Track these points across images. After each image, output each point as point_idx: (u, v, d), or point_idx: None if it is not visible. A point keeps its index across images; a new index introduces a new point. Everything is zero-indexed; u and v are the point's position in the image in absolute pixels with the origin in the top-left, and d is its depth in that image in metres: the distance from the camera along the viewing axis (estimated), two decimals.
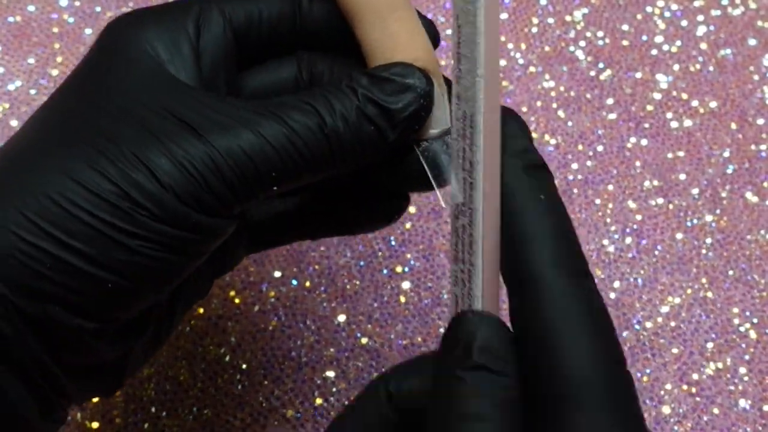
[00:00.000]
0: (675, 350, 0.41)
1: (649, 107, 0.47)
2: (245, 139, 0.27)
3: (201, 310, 0.41)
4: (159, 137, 0.26)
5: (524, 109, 0.47)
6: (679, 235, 0.44)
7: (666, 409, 0.40)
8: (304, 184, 0.29)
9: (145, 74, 0.28)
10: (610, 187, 0.45)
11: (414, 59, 0.28)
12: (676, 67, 0.49)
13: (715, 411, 0.40)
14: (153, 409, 0.39)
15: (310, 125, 0.27)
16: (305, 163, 0.27)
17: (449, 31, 0.49)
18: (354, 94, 0.27)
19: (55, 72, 0.46)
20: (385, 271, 0.42)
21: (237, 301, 0.41)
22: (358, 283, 0.42)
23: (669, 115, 0.47)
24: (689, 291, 0.43)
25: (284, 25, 0.31)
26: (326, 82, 0.31)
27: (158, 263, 0.27)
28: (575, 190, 0.45)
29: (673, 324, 0.42)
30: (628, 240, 0.44)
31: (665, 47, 0.49)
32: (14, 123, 0.45)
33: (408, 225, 0.43)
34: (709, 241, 0.44)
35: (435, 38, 0.30)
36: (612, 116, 0.47)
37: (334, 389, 0.40)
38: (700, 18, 0.50)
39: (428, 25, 0.30)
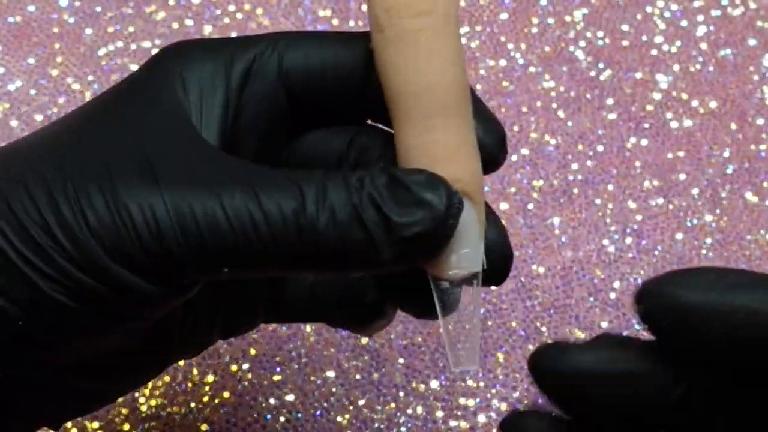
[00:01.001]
0: None
1: (649, 107, 0.47)
2: (201, 202, 0.22)
3: None
4: (110, 176, 0.23)
5: (524, 110, 0.47)
6: (679, 236, 0.44)
7: None
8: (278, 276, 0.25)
9: (157, 118, 0.24)
10: (610, 187, 0.45)
11: (452, 178, 0.23)
12: (676, 67, 0.49)
13: None
14: (153, 410, 0.39)
15: (284, 209, 0.22)
16: (266, 252, 0.23)
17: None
18: (359, 189, 0.23)
19: (55, 72, 0.46)
20: None
21: None
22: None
23: (669, 115, 0.47)
24: None
25: (352, 86, 0.26)
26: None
27: (75, 314, 0.23)
28: (575, 190, 0.45)
29: None
30: (628, 240, 0.44)
31: (665, 47, 0.49)
32: (14, 123, 0.45)
33: None
34: (709, 241, 0.44)
35: (493, 158, 0.25)
36: (612, 116, 0.47)
37: (334, 389, 0.39)
38: (700, 18, 0.50)
39: (492, 141, 0.25)
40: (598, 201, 0.45)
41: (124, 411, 0.39)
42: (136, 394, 0.39)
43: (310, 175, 0.23)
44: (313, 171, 0.23)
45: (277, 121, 0.26)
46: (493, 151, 0.25)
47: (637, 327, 0.42)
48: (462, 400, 0.39)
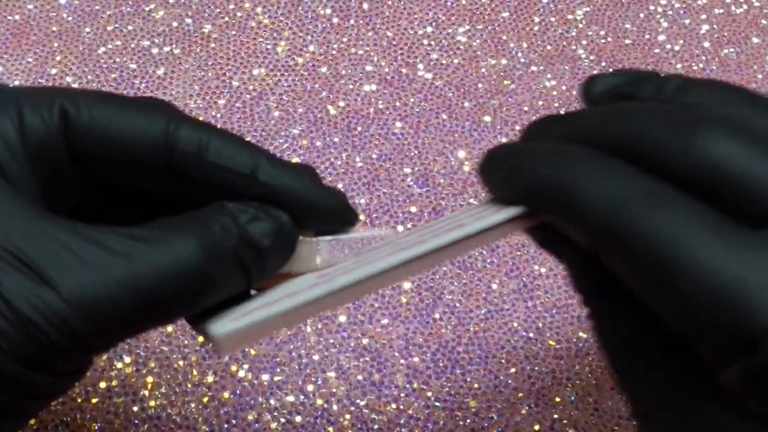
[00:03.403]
0: None
1: None
2: (98, 287, 0.23)
3: None
4: None
5: (525, 108, 0.47)
6: None
7: None
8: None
9: None
10: None
11: None
12: (679, 65, 0.48)
13: None
14: (153, 410, 0.39)
15: (182, 268, 0.24)
16: (170, 308, 0.24)
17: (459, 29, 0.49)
18: (230, 233, 0.25)
19: (54, 71, 0.46)
20: None
21: None
22: None
23: None
24: None
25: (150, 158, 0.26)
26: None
27: None
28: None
29: None
30: None
31: (668, 46, 0.49)
32: None
33: (409, 225, 0.43)
34: None
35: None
36: None
37: (334, 389, 0.39)
38: (703, 16, 0.50)
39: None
40: None
41: (124, 411, 0.38)
42: (137, 395, 0.39)
43: (187, 231, 0.24)
44: (180, 224, 0.24)
45: (63, 180, 0.26)
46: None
47: None
48: (463, 401, 0.39)
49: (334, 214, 0.28)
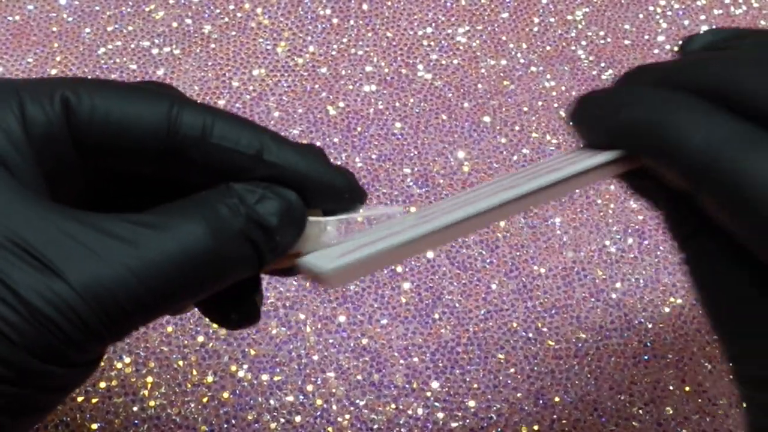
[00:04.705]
0: (677, 351, 0.41)
1: None
2: (110, 277, 0.23)
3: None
4: (5, 279, 0.22)
5: (525, 109, 0.47)
6: None
7: (668, 410, 0.40)
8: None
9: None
10: (612, 188, 0.45)
11: None
12: None
13: (719, 412, 0.40)
14: (153, 410, 0.39)
15: (191, 251, 0.24)
16: (182, 292, 0.24)
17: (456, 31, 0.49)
18: (237, 214, 0.25)
19: (54, 71, 0.46)
20: (385, 272, 0.42)
21: None
22: (358, 283, 0.42)
23: None
24: (691, 291, 0.43)
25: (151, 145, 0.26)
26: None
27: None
28: (577, 191, 0.45)
29: (674, 324, 0.42)
30: (630, 240, 0.44)
31: (667, 46, 0.49)
32: None
33: None
34: None
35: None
36: None
37: (333, 389, 0.39)
38: (703, 17, 0.50)
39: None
40: (599, 201, 0.45)
41: (124, 412, 0.38)
42: (136, 395, 0.39)
43: (195, 214, 0.24)
44: (186, 207, 0.25)
45: (71, 171, 0.26)
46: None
47: (638, 328, 0.42)
48: (463, 401, 0.39)
49: (342, 193, 0.28)
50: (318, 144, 0.45)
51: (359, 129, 0.46)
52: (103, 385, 0.39)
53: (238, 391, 0.39)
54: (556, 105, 0.47)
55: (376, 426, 0.39)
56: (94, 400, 0.38)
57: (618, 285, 0.43)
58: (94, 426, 0.38)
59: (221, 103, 0.46)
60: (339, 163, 0.44)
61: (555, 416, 0.39)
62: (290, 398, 0.39)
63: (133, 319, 0.23)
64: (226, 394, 0.39)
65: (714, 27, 0.50)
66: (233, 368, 0.40)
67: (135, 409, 0.39)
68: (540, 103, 0.47)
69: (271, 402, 0.39)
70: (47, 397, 0.24)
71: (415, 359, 0.40)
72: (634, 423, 0.39)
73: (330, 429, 0.39)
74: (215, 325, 0.40)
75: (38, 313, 0.22)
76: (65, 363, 0.23)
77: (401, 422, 0.39)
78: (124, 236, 0.23)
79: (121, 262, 0.23)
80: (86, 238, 0.23)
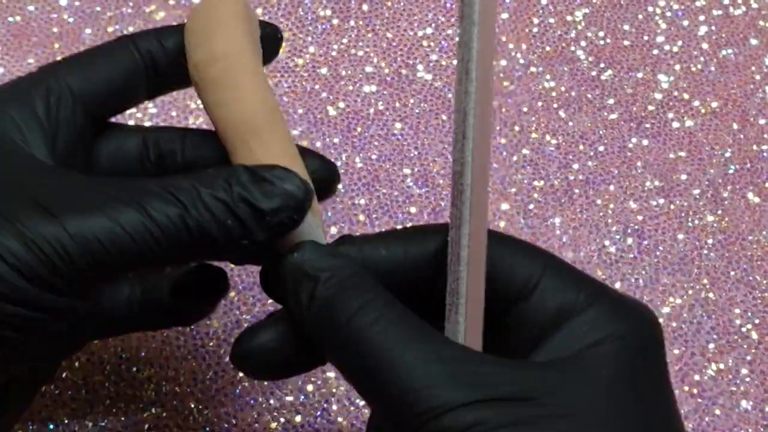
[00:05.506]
0: (676, 351, 0.41)
1: (651, 107, 0.47)
2: (100, 225, 0.26)
3: None
4: (10, 219, 0.26)
5: (525, 110, 0.47)
6: (680, 236, 0.44)
7: None
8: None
9: (2, 154, 0.28)
10: (611, 188, 0.45)
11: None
12: (677, 67, 0.48)
13: (717, 412, 0.40)
14: (153, 410, 0.39)
15: (171, 216, 0.27)
16: (162, 251, 0.27)
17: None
18: (228, 190, 0.27)
19: None
20: None
21: (237, 301, 0.41)
22: None
23: (670, 115, 0.47)
24: (690, 292, 0.43)
25: (138, 91, 0.32)
26: (181, 164, 0.32)
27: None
28: (576, 191, 0.45)
29: (674, 325, 0.42)
30: (630, 240, 0.44)
31: (666, 47, 0.49)
32: None
33: (409, 225, 0.43)
34: (710, 241, 0.44)
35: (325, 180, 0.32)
36: (613, 116, 0.47)
37: (334, 389, 0.39)
38: (702, 18, 0.50)
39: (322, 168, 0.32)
40: (599, 201, 0.45)
41: (124, 411, 0.38)
42: (136, 395, 0.39)
43: (180, 184, 0.27)
44: (179, 177, 0.28)
45: (86, 137, 0.31)
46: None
47: None
48: None
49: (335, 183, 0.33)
50: (318, 144, 0.45)
51: (359, 129, 0.46)
52: (102, 384, 0.39)
53: (238, 391, 0.39)
54: (555, 105, 0.47)
55: None
56: (93, 400, 0.38)
57: (617, 285, 0.43)
58: (94, 426, 0.38)
59: None
60: (339, 163, 0.44)
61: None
62: (290, 398, 0.39)
63: (116, 269, 0.27)
64: (226, 394, 0.39)
65: (713, 27, 0.50)
66: (233, 368, 0.40)
67: (135, 408, 0.39)
68: (540, 104, 0.47)
69: (271, 402, 0.39)
70: (51, 322, 0.27)
71: None
72: None
73: (330, 429, 0.39)
74: (215, 325, 0.40)
75: (35, 245, 0.26)
76: (56, 291, 0.26)
77: None
78: (122, 197, 0.27)
79: (120, 220, 0.26)
80: (88, 195, 0.27)
